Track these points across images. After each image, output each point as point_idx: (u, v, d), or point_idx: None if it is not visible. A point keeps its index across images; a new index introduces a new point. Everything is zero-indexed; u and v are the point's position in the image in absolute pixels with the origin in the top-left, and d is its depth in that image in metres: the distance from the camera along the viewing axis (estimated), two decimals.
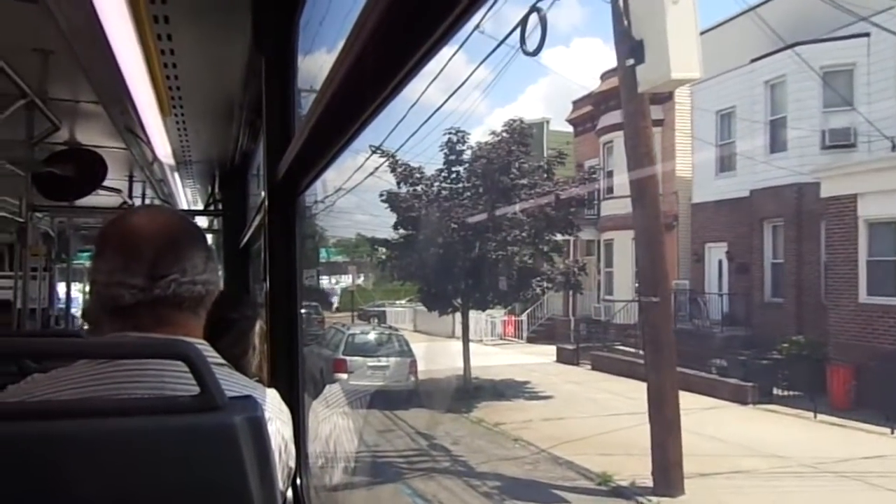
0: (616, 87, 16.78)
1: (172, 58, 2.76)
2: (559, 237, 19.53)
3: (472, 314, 20.35)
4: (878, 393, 13.25)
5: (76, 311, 10.73)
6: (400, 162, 18.89)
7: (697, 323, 19.58)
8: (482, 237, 18.03)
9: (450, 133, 19.12)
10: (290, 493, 1.63)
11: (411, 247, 18.97)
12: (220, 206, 5.22)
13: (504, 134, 18.92)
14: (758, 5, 16.94)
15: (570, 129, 28.13)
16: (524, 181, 18.59)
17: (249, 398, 1.24)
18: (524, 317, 27.04)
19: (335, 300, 37.85)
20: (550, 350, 22.94)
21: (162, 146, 4.13)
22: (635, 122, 10.95)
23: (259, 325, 2.25)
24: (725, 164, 20.26)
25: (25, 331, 5.14)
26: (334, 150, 1.60)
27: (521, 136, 19.04)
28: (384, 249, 20.19)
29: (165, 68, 2.86)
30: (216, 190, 5.34)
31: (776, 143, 18.12)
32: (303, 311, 2.47)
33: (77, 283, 10.82)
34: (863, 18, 14.98)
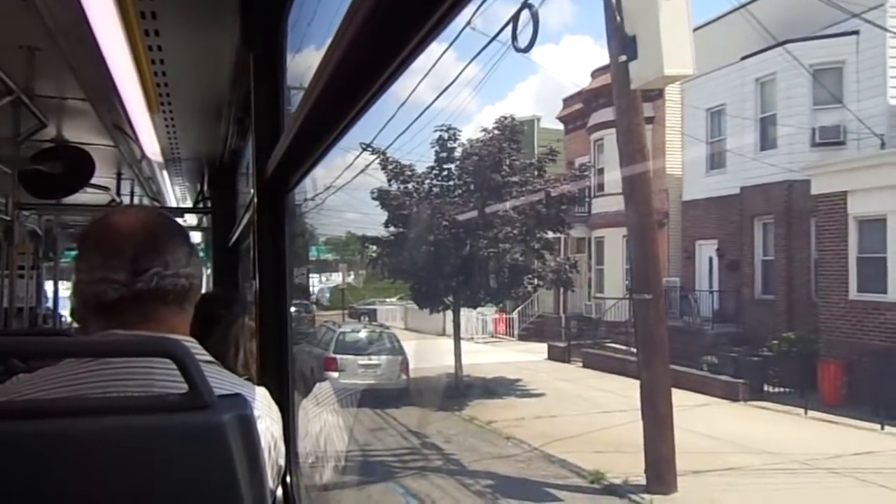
0: (606, 84, 16.84)
1: (160, 54, 2.74)
2: (550, 235, 19.55)
3: (464, 312, 20.36)
4: (869, 389, 13.33)
5: (63, 309, 10.66)
6: (391, 159, 18.88)
7: (688, 320, 19.63)
8: (473, 235, 18.03)
9: (441, 130, 19.13)
10: (279, 492, 1.62)
11: (402, 244, 18.95)
12: (209, 204, 5.20)
13: (495, 131, 18.92)
14: (748, 3, 16.99)
15: (561, 126, 28.19)
16: (515, 178, 18.59)
17: (238, 396, 1.23)
18: (515, 314, 27.09)
19: (325, 298, 37.80)
20: (541, 348, 22.99)
21: (150, 143, 4.11)
22: (628, 119, 10.95)
23: (246, 323, 2.24)
24: (716, 161, 20.33)
25: (12, 330, 5.11)
26: (323, 147, 1.59)
27: (512, 133, 19.05)
28: (375, 247, 20.18)
29: (153, 65, 2.84)
30: (205, 187, 5.32)
31: (766, 141, 18.20)
32: (292, 309, 2.46)
33: (65, 282, 10.74)
34: (853, 15, 15.06)
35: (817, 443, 11.96)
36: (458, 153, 19.30)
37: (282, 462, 1.45)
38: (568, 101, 27.55)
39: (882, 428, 12.51)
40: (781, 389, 15.28)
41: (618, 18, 9.69)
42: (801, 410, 14.04)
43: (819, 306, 16.04)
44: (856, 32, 16.10)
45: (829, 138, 16.75)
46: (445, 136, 19.15)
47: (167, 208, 6.41)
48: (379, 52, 1.03)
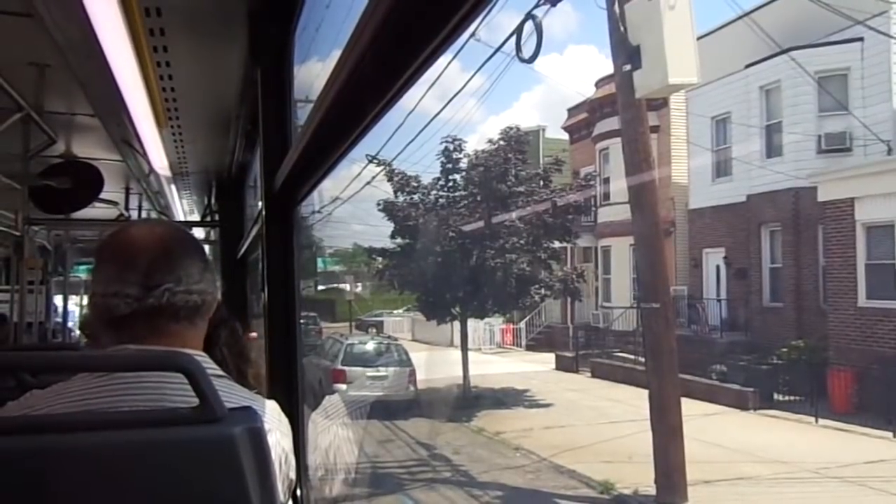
0: (611, 94, 16.87)
1: (168, 70, 2.76)
2: (557, 244, 19.54)
3: (471, 322, 20.33)
4: (880, 397, 13.24)
5: (73, 324, 10.69)
6: (397, 171, 18.92)
7: (696, 329, 19.56)
8: (480, 245, 18.03)
9: (446, 141, 19.18)
10: None
11: (409, 255, 18.96)
12: (216, 217, 5.21)
13: (501, 142, 18.96)
14: (752, 11, 17.01)
15: (566, 136, 28.20)
16: (521, 189, 18.61)
17: (249, 409, 1.23)
18: (523, 325, 27.02)
19: (333, 310, 37.78)
20: (549, 358, 22.92)
21: (158, 158, 4.13)
22: (633, 128, 10.95)
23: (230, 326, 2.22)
24: (721, 169, 20.31)
25: (23, 344, 5.13)
26: (332, 161, 1.60)
27: (518, 143, 19.10)
28: (381, 258, 20.18)
29: (161, 80, 2.86)
30: (213, 201, 5.34)
31: (772, 148, 18.16)
32: (301, 321, 2.46)
33: (74, 297, 10.78)
34: (858, 22, 15.05)
35: (829, 451, 11.87)
36: (463, 164, 19.35)
37: (292, 475, 1.45)
38: (573, 111, 27.57)
39: (894, 436, 12.41)
40: (791, 398, 15.18)
41: (621, 28, 9.71)
42: (812, 419, 13.95)
43: (828, 314, 15.96)
44: (860, 39, 16.08)
45: (835, 145, 16.70)
46: (451, 146, 19.21)
47: (175, 222, 6.43)
48: (387, 67, 1.04)
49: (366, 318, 34.51)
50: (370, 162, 18.01)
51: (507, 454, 13.34)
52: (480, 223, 18.21)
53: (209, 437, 1.14)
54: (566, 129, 28.18)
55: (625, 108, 10.98)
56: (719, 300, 20.11)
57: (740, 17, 17.04)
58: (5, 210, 5.71)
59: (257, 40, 2.29)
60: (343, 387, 16.53)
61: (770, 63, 17.51)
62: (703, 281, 21.11)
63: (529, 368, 21.86)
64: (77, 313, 11.57)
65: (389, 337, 22.82)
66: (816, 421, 13.83)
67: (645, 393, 11.11)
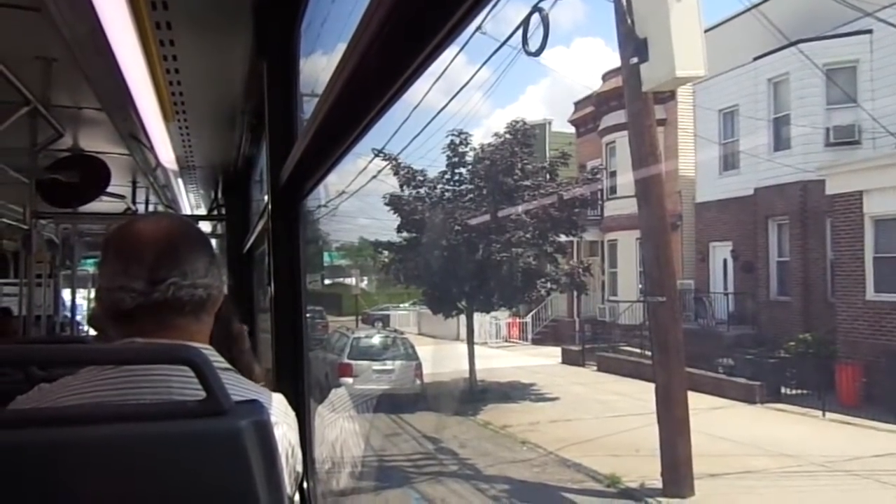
0: (618, 87, 16.81)
1: (175, 63, 2.76)
2: (563, 238, 19.50)
3: (477, 316, 20.30)
4: (888, 390, 13.20)
5: (80, 317, 10.74)
6: (402, 165, 18.91)
7: (703, 322, 19.52)
8: (486, 239, 18.01)
9: (452, 135, 19.15)
10: (297, 498, 1.63)
11: (415, 249, 18.96)
12: (223, 211, 5.23)
13: (507, 135, 18.91)
14: (760, 3, 16.91)
15: (573, 129, 28.11)
16: (527, 182, 18.58)
17: (255, 402, 1.23)
18: (529, 319, 26.99)
19: (339, 304, 37.82)
20: (555, 352, 22.91)
21: (165, 152, 4.14)
22: (640, 122, 10.91)
23: (226, 320, 2.22)
24: (729, 162, 20.23)
25: (31, 337, 5.15)
26: (337, 154, 1.60)
27: (524, 137, 19.03)
28: (387, 252, 20.19)
29: (168, 74, 2.86)
30: (219, 195, 5.36)
31: (780, 141, 18.08)
32: (307, 315, 2.47)
33: (82, 290, 10.82)
34: (867, 14, 14.95)
35: (836, 445, 11.84)
36: (469, 158, 19.31)
37: (299, 468, 1.46)
38: (579, 105, 27.49)
39: None
40: (799, 391, 15.15)
41: (629, 20, 9.67)
42: (819, 412, 13.90)
43: (836, 307, 15.90)
44: (869, 31, 15.98)
45: (844, 138, 16.62)
46: (457, 140, 19.17)
47: (182, 216, 6.44)
48: (392, 60, 1.04)
49: (372, 313, 34.52)
50: (376, 156, 18.05)
51: (513, 448, 13.35)
52: (486, 217, 18.19)
53: (216, 430, 1.14)
54: (572, 122, 28.09)
55: (631, 102, 10.94)
56: (726, 294, 20.06)
57: (748, 10, 16.95)
58: (13, 204, 5.74)
59: (263, 34, 2.29)
60: (349, 380, 16.56)
61: (778, 55, 17.41)
62: (709, 274, 21.06)
63: (535, 362, 21.86)
64: (85, 307, 11.61)
65: (395, 331, 22.84)
66: (824, 414, 13.79)
67: (651, 386, 11.10)
